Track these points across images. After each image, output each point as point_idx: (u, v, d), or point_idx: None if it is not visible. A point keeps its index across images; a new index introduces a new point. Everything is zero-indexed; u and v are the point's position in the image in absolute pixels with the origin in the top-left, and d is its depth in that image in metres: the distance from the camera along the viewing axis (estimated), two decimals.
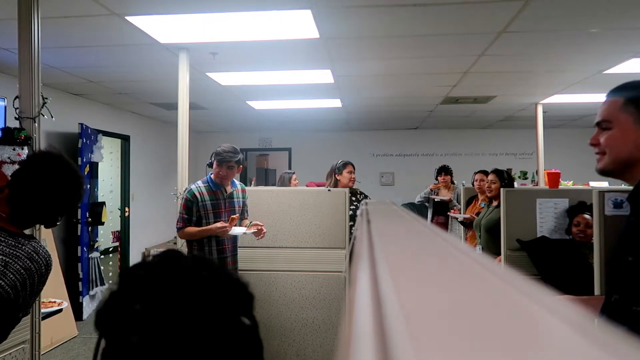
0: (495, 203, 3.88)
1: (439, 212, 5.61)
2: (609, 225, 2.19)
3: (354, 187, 3.99)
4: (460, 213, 4.81)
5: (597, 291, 2.20)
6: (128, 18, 2.98)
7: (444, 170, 5.77)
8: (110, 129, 6.30)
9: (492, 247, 3.64)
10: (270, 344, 3.09)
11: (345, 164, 3.97)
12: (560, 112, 6.96)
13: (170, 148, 6.50)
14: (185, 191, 3.04)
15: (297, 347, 3.09)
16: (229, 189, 3.03)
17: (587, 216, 3.27)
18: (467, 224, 4.61)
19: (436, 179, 5.91)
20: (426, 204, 5.89)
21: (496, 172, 3.97)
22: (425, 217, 5.83)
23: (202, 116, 7.07)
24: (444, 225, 5.42)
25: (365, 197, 3.86)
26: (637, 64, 4.12)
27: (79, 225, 5.10)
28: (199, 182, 3.02)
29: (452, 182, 5.81)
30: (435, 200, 5.64)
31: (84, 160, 5.21)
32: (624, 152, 1.13)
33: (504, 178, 3.89)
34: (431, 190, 5.76)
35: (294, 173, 5.15)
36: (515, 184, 4.53)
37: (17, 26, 2.14)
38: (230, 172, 2.95)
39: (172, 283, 0.68)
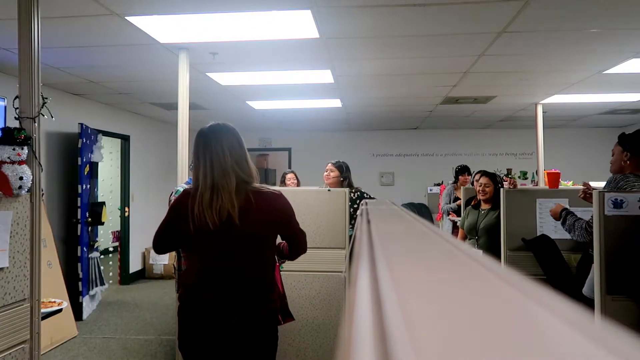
0: (487, 206, 3.84)
1: None
2: (609, 225, 2.19)
3: (356, 186, 3.99)
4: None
5: (597, 290, 2.20)
6: (128, 18, 2.98)
7: (466, 170, 5.46)
8: (110, 129, 6.30)
9: (491, 250, 3.63)
10: None
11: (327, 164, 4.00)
12: (560, 112, 6.96)
13: (170, 148, 6.50)
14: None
15: (297, 347, 3.09)
16: None
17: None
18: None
19: (456, 178, 5.57)
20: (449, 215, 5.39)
21: (489, 175, 3.92)
22: (425, 217, 5.76)
23: (202, 116, 7.07)
24: None
25: (362, 194, 3.84)
26: (637, 64, 4.12)
27: (79, 225, 5.10)
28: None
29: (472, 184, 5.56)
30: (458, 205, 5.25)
31: (84, 160, 5.21)
32: None
33: (497, 181, 3.86)
34: (457, 205, 5.29)
35: (291, 172, 5.12)
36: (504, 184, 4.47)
37: (17, 26, 2.14)
38: None
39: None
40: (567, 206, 3.46)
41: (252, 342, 1.85)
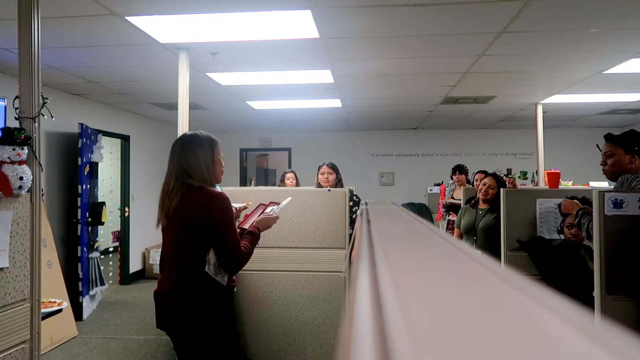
0: (485, 206, 3.83)
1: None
2: (609, 225, 2.19)
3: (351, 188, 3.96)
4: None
5: (597, 290, 2.20)
6: (128, 18, 2.99)
7: (459, 170, 5.56)
8: (110, 129, 6.30)
9: (488, 251, 3.61)
10: (270, 344, 3.09)
11: (320, 167, 3.96)
12: (560, 112, 6.96)
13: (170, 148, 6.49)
14: None
15: (297, 347, 3.09)
16: None
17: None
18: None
19: (451, 178, 5.72)
20: (443, 209, 5.62)
21: (496, 177, 3.90)
22: (425, 217, 5.77)
23: (202, 116, 7.07)
24: None
25: (357, 199, 3.75)
26: (637, 64, 4.12)
27: (79, 225, 5.10)
28: None
29: (468, 182, 5.57)
30: (450, 203, 5.39)
31: (84, 160, 5.21)
32: None
33: (502, 183, 3.84)
34: (447, 202, 5.49)
35: (291, 172, 5.10)
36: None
37: (17, 26, 2.14)
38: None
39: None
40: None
41: (179, 327, 2.01)
